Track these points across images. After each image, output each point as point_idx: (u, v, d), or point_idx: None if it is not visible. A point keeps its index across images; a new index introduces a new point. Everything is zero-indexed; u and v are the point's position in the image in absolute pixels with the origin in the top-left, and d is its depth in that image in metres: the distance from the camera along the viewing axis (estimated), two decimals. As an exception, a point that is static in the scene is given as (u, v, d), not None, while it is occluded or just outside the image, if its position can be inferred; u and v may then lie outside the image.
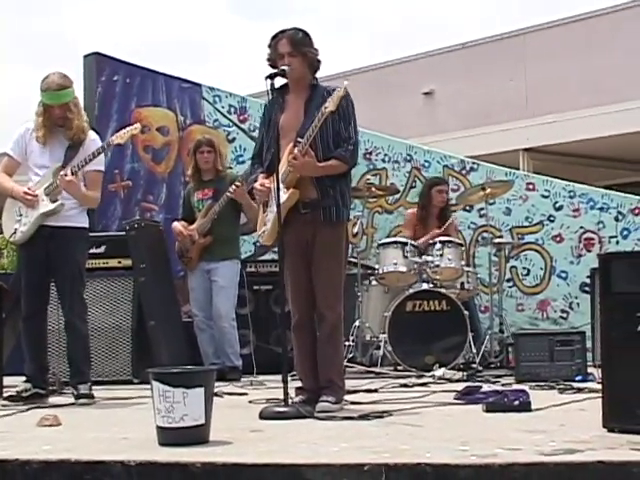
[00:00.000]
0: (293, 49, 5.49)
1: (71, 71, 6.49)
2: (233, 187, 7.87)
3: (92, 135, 6.50)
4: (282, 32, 5.55)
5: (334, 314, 5.48)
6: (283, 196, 5.38)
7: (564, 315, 9.16)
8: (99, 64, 9.36)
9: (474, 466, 3.43)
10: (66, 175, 6.15)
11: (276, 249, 5.95)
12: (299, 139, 5.42)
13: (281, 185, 5.36)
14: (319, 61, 5.64)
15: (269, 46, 5.58)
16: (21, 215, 6.29)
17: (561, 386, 6.37)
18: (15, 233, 6.31)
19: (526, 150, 17.35)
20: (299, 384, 5.60)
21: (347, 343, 7.95)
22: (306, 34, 5.57)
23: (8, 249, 17.52)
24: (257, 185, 5.54)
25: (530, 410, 5.03)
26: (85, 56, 9.34)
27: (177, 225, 8.22)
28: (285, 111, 5.59)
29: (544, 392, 6.20)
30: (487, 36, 19.61)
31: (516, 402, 5.10)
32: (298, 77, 5.56)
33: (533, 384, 6.50)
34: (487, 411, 5.09)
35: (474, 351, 7.98)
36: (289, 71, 5.49)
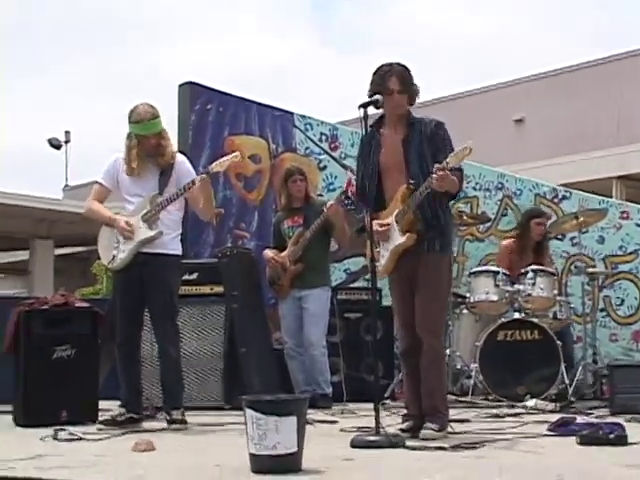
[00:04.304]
0: (402, 87, 5.55)
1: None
2: (328, 204, 7.88)
3: (180, 157, 6.59)
4: (389, 66, 5.58)
5: (434, 341, 5.52)
6: (399, 238, 5.53)
7: (660, 346, 9.00)
8: (193, 93, 9.47)
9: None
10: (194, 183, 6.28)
11: (368, 276, 6.00)
12: (411, 181, 5.48)
13: (396, 225, 5.53)
14: (416, 95, 5.67)
15: (374, 77, 5.60)
16: (119, 242, 6.38)
17: (658, 419, 6.25)
18: (114, 260, 6.40)
19: (619, 177, 17.11)
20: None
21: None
22: (409, 70, 5.61)
23: (101, 274, 17.86)
24: (376, 227, 5.53)
25: (626, 444, 4.94)
26: (180, 85, 9.46)
27: (268, 252, 8.27)
28: (383, 147, 5.65)
29: (640, 425, 6.08)
30: (578, 63, 19.47)
31: (611, 435, 5.00)
32: (402, 113, 5.63)
33: (629, 417, 6.37)
34: (581, 443, 5.01)
35: (567, 382, 7.85)
36: (396, 108, 5.59)
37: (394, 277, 5.72)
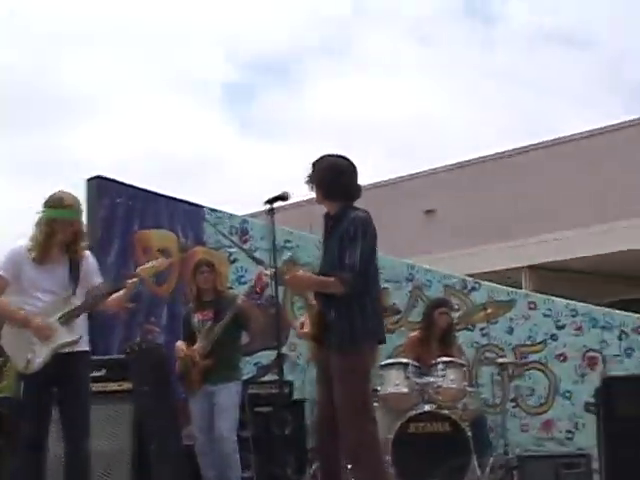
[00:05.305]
0: (307, 179, 5.73)
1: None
2: (240, 299, 7.89)
3: (87, 252, 6.43)
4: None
5: (351, 437, 5.53)
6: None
7: (569, 435, 9.07)
8: (101, 187, 9.39)
9: None
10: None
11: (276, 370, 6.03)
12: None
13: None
14: (339, 190, 5.72)
15: None
16: (33, 344, 6.05)
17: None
18: (29, 364, 6.05)
19: (528, 267, 17.40)
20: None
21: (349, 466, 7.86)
22: (326, 163, 5.72)
23: (9, 371, 17.37)
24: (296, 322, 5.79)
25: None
26: (88, 180, 9.36)
27: (180, 344, 8.20)
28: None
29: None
30: (488, 154, 19.83)
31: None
32: (320, 204, 5.77)
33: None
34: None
35: (478, 474, 7.84)
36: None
37: (318, 366, 5.83)
